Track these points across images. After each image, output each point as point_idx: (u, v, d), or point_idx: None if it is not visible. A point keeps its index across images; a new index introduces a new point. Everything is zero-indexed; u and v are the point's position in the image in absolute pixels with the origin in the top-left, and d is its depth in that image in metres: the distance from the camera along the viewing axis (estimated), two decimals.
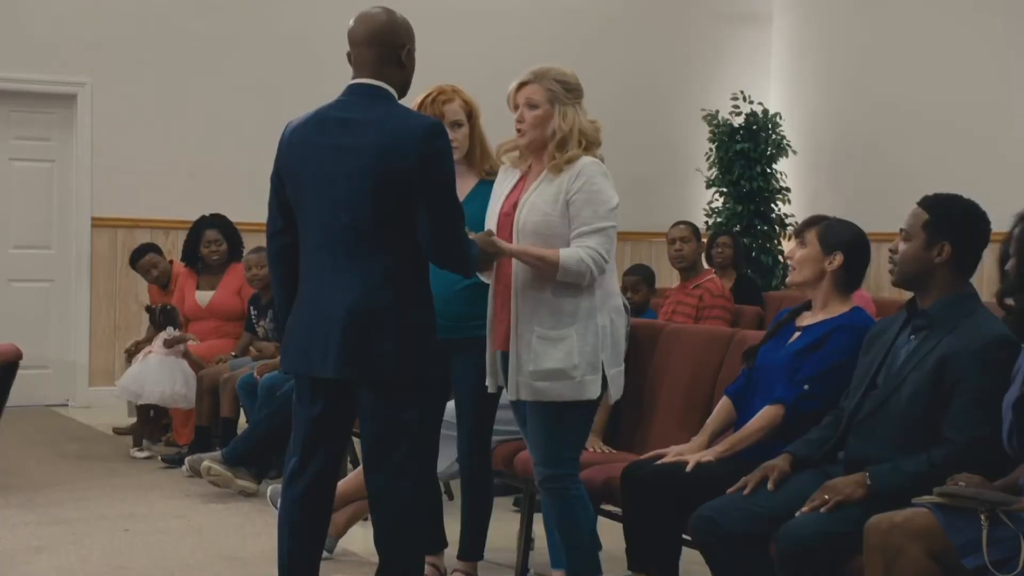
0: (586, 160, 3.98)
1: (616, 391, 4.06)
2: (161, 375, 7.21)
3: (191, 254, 7.81)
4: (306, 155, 3.62)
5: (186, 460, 6.50)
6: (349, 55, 3.71)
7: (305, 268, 3.67)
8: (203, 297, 7.71)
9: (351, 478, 5.01)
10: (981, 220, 3.61)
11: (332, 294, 3.57)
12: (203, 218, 7.85)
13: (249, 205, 8.89)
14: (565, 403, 3.96)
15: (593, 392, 3.99)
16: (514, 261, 3.97)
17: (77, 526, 5.52)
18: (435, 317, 3.68)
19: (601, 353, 3.98)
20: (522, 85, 4.02)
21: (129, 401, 7.87)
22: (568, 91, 4.00)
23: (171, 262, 8.08)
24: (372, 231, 3.54)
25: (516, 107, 4.04)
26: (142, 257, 8.01)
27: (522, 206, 3.99)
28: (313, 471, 3.70)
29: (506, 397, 4.20)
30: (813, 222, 4.18)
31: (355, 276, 3.55)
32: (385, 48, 3.64)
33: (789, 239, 9.76)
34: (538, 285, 3.95)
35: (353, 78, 3.68)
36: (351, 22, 3.70)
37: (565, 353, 3.93)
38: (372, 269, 3.55)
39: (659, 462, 4.02)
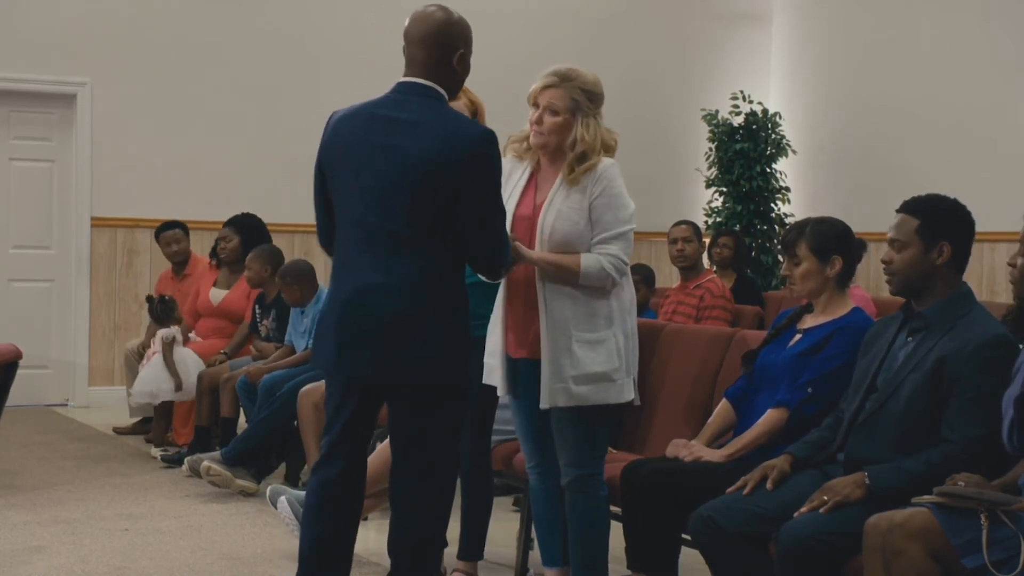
0: (606, 162, 3.96)
1: (636, 390, 4.10)
2: (170, 372, 7.21)
3: (215, 251, 7.83)
4: (352, 151, 3.56)
5: (186, 460, 6.50)
6: (404, 50, 3.64)
7: (342, 265, 3.61)
8: (217, 295, 7.70)
9: None
10: (968, 216, 3.62)
11: (370, 295, 3.51)
12: (234, 217, 7.83)
13: (248, 205, 8.89)
14: (602, 406, 3.95)
15: (629, 394, 4.01)
16: (536, 270, 3.94)
17: (77, 526, 5.51)
18: (470, 320, 3.64)
19: (632, 354, 3.99)
20: (547, 87, 3.96)
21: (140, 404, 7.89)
22: (591, 101, 3.96)
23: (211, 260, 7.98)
24: (413, 233, 3.49)
25: (536, 106, 3.99)
26: (168, 230, 8.08)
27: (546, 211, 3.95)
28: (340, 465, 3.63)
29: (506, 397, 4.19)
30: (798, 233, 4.08)
31: (393, 277, 3.50)
32: (438, 50, 3.58)
33: None
34: (569, 290, 3.91)
35: (404, 76, 3.62)
36: (408, 19, 3.63)
37: (606, 356, 3.93)
38: (411, 271, 3.50)
39: (678, 456, 4.00)
